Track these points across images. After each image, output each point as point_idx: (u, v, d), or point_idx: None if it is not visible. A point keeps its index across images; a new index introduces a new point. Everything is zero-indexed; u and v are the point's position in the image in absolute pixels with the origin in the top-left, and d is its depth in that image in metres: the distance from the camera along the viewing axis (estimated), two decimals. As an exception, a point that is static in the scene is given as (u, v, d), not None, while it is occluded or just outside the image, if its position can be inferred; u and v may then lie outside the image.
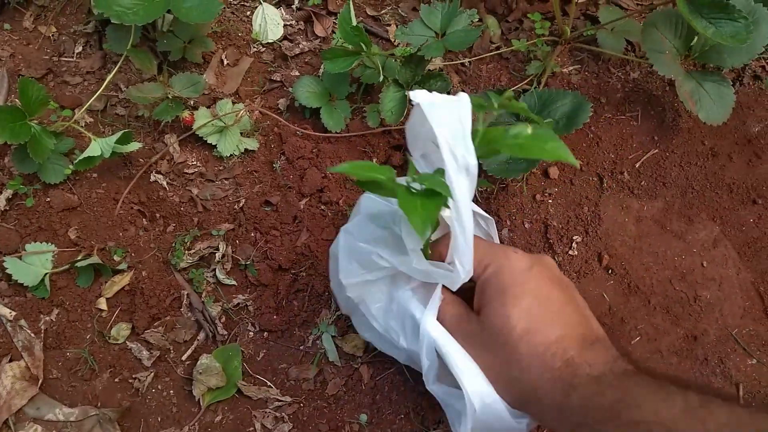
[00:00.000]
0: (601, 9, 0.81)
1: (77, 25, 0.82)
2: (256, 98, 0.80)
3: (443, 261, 0.50)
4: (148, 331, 0.70)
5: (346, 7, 0.70)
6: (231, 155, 0.76)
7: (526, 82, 0.79)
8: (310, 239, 0.73)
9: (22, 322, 0.69)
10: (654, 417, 0.39)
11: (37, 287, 0.70)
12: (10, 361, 0.68)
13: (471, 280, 0.50)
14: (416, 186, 0.45)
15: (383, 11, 0.86)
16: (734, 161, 0.77)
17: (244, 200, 0.75)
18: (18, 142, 0.67)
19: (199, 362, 0.67)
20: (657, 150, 0.77)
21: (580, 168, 0.76)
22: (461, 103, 0.45)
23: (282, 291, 0.71)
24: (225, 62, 0.81)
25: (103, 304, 0.71)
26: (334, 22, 0.84)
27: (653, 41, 0.71)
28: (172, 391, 0.69)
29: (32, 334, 0.69)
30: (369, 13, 0.85)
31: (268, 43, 0.83)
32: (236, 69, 0.81)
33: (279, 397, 0.68)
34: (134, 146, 0.73)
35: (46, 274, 0.70)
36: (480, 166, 0.47)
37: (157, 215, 0.75)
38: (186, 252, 0.72)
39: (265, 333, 0.71)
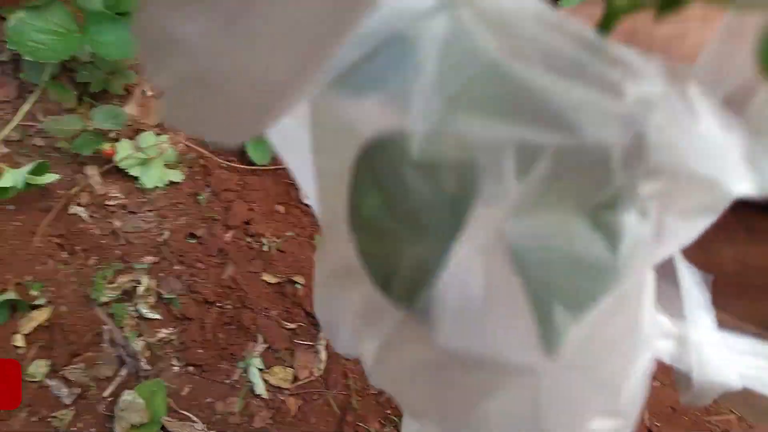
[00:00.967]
0: None
1: (-9, 52, 0.80)
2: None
3: None
4: (68, 367, 0.69)
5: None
6: (155, 187, 0.76)
7: None
8: (236, 272, 0.74)
9: (-69, 363, 0.67)
10: None
11: (-52, 325, 0.68)
12: None
13: None
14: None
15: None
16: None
17: (168, 233, 0.75)
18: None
19: (121, 399, 0.67)
20: None
21: None
22: None
23: (207, 324, 0.72)
24: (149, 93, 0.81)
25: (19, 340, 0.69)
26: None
27: None
28: (93, 430, 0.68)
29: (-58, 376, 0.67)
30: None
31: (193, 73, 0.83)
32: (160, 100, 0.81)
33: (204, 432, 0.68)
34: (51, 178, 0.71)
35: (-43, 312, 0.67)
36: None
37: (78, 248, 0.73)
38: (107, 286, 0.72)
39: (191, 367, 0.71)
